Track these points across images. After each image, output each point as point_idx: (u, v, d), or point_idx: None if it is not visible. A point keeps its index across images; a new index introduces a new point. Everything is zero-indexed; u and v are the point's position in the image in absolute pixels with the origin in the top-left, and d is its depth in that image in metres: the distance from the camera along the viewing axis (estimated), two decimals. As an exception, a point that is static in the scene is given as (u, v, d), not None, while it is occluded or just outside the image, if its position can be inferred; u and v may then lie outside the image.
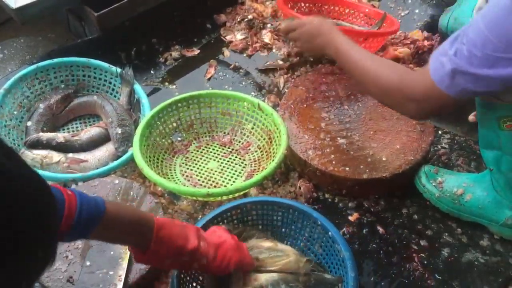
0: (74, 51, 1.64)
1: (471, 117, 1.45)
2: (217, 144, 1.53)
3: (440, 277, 1.25)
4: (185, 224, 1.01)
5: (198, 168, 1.47)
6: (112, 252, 1.16)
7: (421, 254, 1.28)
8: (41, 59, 1.60)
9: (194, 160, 1.49)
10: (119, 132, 1.46)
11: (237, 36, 1.85)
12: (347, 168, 1.34)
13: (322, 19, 1.42)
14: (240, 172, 1.45)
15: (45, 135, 1.45)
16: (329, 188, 1.39)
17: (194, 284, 1.12)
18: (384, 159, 1.36)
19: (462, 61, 0.94)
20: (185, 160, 1.49)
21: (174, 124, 1.51)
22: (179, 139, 1.53)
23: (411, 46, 1.78)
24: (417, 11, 1.94)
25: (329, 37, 1.31)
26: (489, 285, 1.23)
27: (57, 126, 1.56)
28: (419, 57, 1.77)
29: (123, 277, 1.11)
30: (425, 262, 1.27)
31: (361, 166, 1.34)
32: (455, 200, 1.31)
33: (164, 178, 1.36)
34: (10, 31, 1.88)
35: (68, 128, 1.58)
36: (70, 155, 1.42)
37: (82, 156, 1.43)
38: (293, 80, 1.68)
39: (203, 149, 1.52)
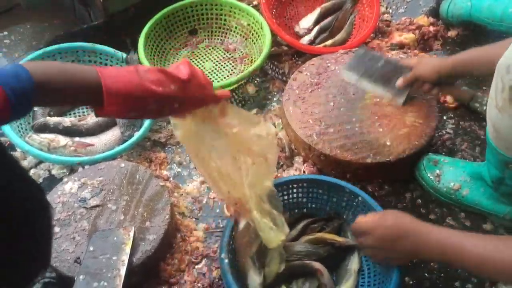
0: (80, 36, 1.64)
1: (399, 82, 1.39)
2: (223, 49, 1.78)
3: (443, 260, 1.26)
4: (143, 69, 0.88)
5: (195, 64, 1.73)
6: (115, 238, 1.17)
7: (425, 238, 1.29)
8: (48, 44, 1.61)
9: (197, 56, 1.76)
10: (125, 116, 1.47)
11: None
12: (351, 152, 1.35)
13: (399, 216, 1.04)
14: (225, 78, 1.68)
15: (52, 119, 1.46)
16: (333, 172, 1.39)
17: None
18: (388, 143, 1.37)
19: None
20: (191, 54, 1.76)
21: (193, 23, 1.79)
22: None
23: (416, 31, 1.77)
24: (422, -4, 1.93)
25: (419, 234, 0.98)
26: (492, 268, 1.24)
27: (64, 110, 1.57)
28: (424, 43, 1.77)
29: (126, 261, 1.13)
30: (428, 245, 1.28)
31: (365, 151, 1.35)
32: (452, 194, 1.33)
33: (164, 65, 1.69)
34: (17, 18, 1.89)
35: (74, 113, 1.59)
36: (77, 139, 1.43)
37: (88, 140, 1.44)
38: (298, 65, 1.68)
39: (210, 49, 1.78)
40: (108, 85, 0.84)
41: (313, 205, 1.28)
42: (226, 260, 1.08)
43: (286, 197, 1.26)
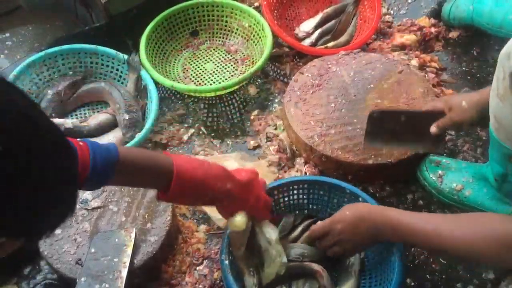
0: (82, 38, 1.64)
1: (434, 129, 1.29)
2: (225, 50, 1.77)
3: (444, 262, 1.26)
4: (208, 165, 1.01)
5: (196, 65, 1.73)
6: (116, 239, 1.17)
7: (426, 239, 1.29)
8: (49, 46, 1.61)
9: (199, 57, 1.75)
10: (127, 118, 1.47)
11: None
12: (353, 154, 1.35)
13: (354, 205, 1.13)
14: (227, 79, 1.67)
15: (54, 121, 1.46)
16: (334, 173, 1.39)
17: None
18: (389, 144, 1.37)
19: None
20: (192, 56, 1.76)
21: (194, 24, 1.78)
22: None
23: (417, 33, 1.77)
24: (424, -3, 1.93)
25: (376, 219, 1.04)
26: (493, 269, 1.24)
27: (65, 112, 1.57)
28: (426, 44, 1.76)
29: (127, 263, 1.13)
30: (430, 246, 1.28)
31: (367, 152, 1.35)
32: (454, 195, 1.33)
33: (166, 67, 1.71)
34: (19, 19, 1.89)
35: (76, 114, 1.60)
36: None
37: (90, 141, 1.44)
38: (299, 67, 1.68)
39: (212, 51, 1.77)
40: (179, 167, 0.94)
41: (314, 207, 1.28)
42: (227, 261, 1.08)
43: (286, 199, 1.26)
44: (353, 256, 1.18)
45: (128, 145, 1.39)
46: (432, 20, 1.82)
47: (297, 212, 1.28)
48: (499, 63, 1.03)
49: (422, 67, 1.66)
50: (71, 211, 0.64)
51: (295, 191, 1.26)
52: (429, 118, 1.28)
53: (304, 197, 1.27)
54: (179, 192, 0.95)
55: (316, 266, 1.16)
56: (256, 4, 1.85)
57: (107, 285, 1.09)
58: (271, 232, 1.13)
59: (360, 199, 1.18)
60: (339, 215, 1.12)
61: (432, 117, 1.28)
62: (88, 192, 1.26)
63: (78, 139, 0.86)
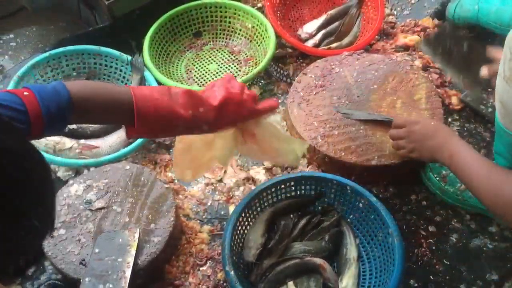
0: (85, 39, 1.65)
1: (485, 71, 1.22)
2: (228, 51, 1.78)
3: (448, 263, 1.26)
4: (172, 93, 0.94)
5: (200, 66, 1.73)
6: (120, 240, 1.17)
7: (430, 240, 1.29)
8: (53, 47, 1.61)
9: (202, 58, 1.76)
10: (130, 119, 1.47)
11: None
12: (356, 155, 1.35)
13: (439, 122, 1.24)
14: None
15: (58, 122, 1.47)
16: (337, 174, 1.38)
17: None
18: (393, 145, 1.37)
19: None
20: (196, 57, 1.76)
21: (197, 25, 1.79)
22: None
23: (421, 33, 1.77)
24: (427, -2, 1.93)
25: (445, 141, 1.15)
26: (497, 270, 1.24)
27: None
28: (429, 45, 1.77)
29: (131, 263, 1.13)
30: (434, 247, 1.28)
31: (370, 153, 1.35)
32: (458, 195, 1.32)
33: (169, 68, 1.71)
34: (23, 20, 1.90)
35: (79, 115, 1.60)
36: (82, 141, 1.44)
37: (94, 142, 1.44)
38: (302, 67, 1.68)
39: (215, 51, 1.78)
40: (140, 108, 0.88)
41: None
42: (232, 272, 1.09)
43: (275, 199, 1.27)
44: (405, 155, 1.28)
45: (132, 146, 1.40)
46: (436, 21, 1.82)
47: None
48: (506, 44, 1.02)
49: (425, 67, 1.66)
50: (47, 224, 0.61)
51: (283, 190, 1.27)
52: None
53: (292, 194, 1.28)
54: (145, 128, 0.90)
55: (318, 260, 1.18)
56: (259, 5, 1.85)
57: (111, 285, 1.09)
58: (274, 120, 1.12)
59: (348, 187, 1.22)
60: (424, 119, 1.28)
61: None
62: (92, 192, 1.26)
63: (22, 88, 0.83)
